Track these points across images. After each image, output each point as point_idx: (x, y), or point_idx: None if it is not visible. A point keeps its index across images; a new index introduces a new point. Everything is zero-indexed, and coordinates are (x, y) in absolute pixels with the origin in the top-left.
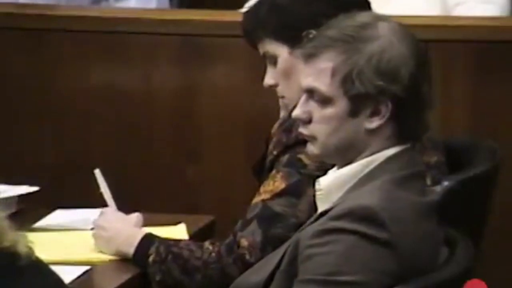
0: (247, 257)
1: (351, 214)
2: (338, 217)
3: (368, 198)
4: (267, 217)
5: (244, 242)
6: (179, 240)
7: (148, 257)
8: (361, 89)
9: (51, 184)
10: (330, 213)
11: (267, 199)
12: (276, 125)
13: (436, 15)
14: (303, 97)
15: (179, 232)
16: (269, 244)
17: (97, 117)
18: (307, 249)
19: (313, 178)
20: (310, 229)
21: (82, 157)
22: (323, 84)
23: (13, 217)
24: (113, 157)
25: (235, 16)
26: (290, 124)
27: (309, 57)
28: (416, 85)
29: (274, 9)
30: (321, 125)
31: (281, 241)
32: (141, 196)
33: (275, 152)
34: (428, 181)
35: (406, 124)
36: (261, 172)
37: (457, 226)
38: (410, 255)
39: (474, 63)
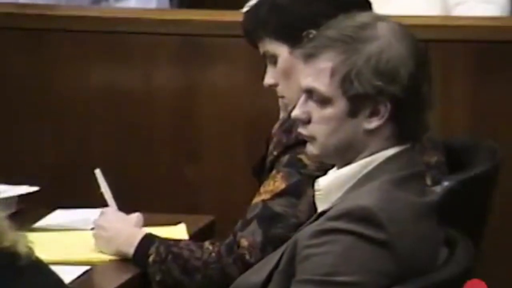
0: (247, 257)
1: (349, 215)
2: (336, 218)
3: (367, 198)
4: (267, 217)
5: (244, 242)
6: (179, 240)
7: (148, 257)
8: (360, 89)
9: (51, 184)
10: (328, 213)
11: (267, 199)
12: (276, 126)
13: (436, 15)
14: (303, 97)
15: (179, 232)
16: (269, 244)
17: (97, 117)
18: (305, 249)
19: (313, 178)
20: (308, 229)
21: (82, 157)
22: (322, 85)
23: (13, 217)
24: (113, 157)
25: (235, 16)
26: (290, 125)
27: (309, 57)
28: (415, 85)
29: (275, 9)
30: (320, 125)
31: (281, 241)
32: (141, 196)
33: (275, 153)
34: (428, 181)
35: (405, 125)
36: (261, 172)
37: (457, 226)
38: (408, 256)
39: (474, 63)
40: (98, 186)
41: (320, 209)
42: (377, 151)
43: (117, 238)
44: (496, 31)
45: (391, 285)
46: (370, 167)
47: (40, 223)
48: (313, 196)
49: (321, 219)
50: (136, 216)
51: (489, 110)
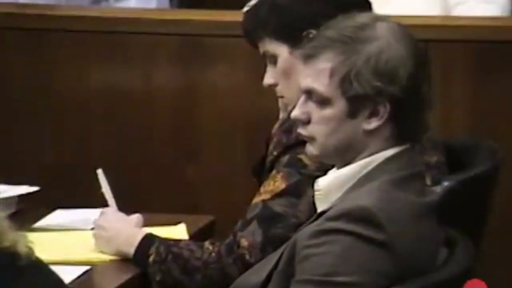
0: (247, 257)
1: (348, 215)
2: (335, 218)
3: (366, 198)
4: (267, 217)
5: (244, 242)
6: (179, 240)
7: (148, 257)
8: (359, 90)
9: (51, 184)
10: (328, 214)
11: (267, 199)
12: (276, 126)
13: (436, 15)
14: (302, 98)
15: (179, 232)
16: (269, 244)
17: (97, 117)
18: (304, 250)
19: (313, 178)
20: (308, 229)
21: (82, 157)
22: (321, 85)
23: (13, 217)
24: (113, 157)
25: (235, 16)
26: (290, 125)
27: (308, 57)
28: (414, 85)
29: (275, 9)
30: (319, 126)
31: (281, 241)
32: (141, 196)
33: (275, 153)
34: (428, 181)
35: (405, 125)
36: (261, 172)
37: (457, 226)
38: (408, 256)
39: (474, 63)
40: (99, 186)
41: (319, 209)
42: (376, 152)
43: (117, 238)
44: (496, 31)
45: (390, 285)
46: (369, 168)
47: (40, 223)
48: (313, 196)
49: (321, 219)
50: (136, 217)
51: (489, 110)
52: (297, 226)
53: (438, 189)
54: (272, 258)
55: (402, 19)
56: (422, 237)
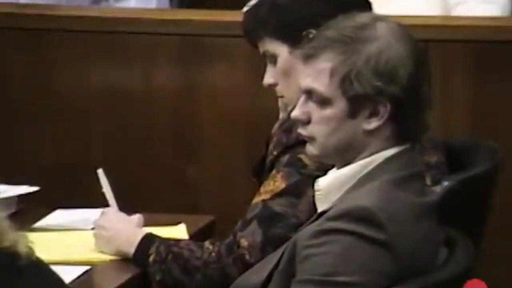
0: (247, 257)
1: (349, 215)
2: (335, 218)
3: (367, 198)
4: (267, 217)
5: (244, 242)
6: (180, 240)
7: (149, 256)
8: (359, 90)
9: (51, 184)
10: (328, 214)
11: (267, 199)
12: (276, 126)
13: (436, 15)
14: (302, 98)
15: (179, 232)
16: (269, 244)
17: (97, 117)
18: (305, 250)
19: (314, 178)
20: (308, 229)
21: (82, 157)
22: (321, 85)
23: (13, 217)
24: (113, 157)
25: (235, 16)
26: (290, 125)
27: (308, 57)
28: (415, 85)
29: (275, 9)
30: (320, 125)
31: (281, 241)
32: (141, 196)
33: (275, 152)
34: (428, 181)
35: (405, 125)
36: (261, 172)
37: (457, 226)
38: (408, 256)
39: (474, 63)
40: (99, 186)
41: (320, 209)
42: (376, 152)
43: (117, 238)
44: (496, 31)
45: (391, 285)
46: (370, 167)
47: (40, 223)
48: (313, 196)
49: (321, 219)
50: (137, 217)
51: (489, 110)
52: (297, 226)
53: (438, 189)
54: (272, 258)
55: (402, 19)
56: (423, 237)
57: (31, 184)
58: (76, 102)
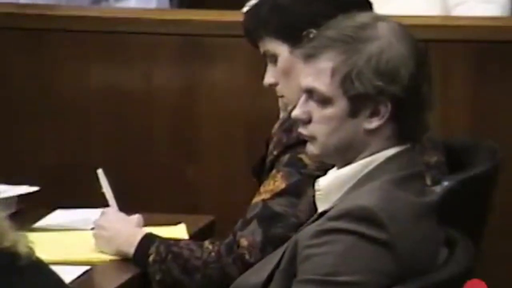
0: (247, 257)
1: (350, 215)
2: (336, 218)
3: (367, 198)
4: (267, 217)
5: (244, 242)
6: (179, 240)
7: (148, 256)
8: (360, 89)
9: (51, 184)
10: (329, 214)
11: (267, 199)
12: (276, 125)
13: (436, 15)
14: (303, 97)
15: (179, 232)
16: (269, 244)
17: (97, 117)
18: (306, 250)
19: (314, 178)
20: (309, 229)
21: (82, 157)
22: (322, 84)
23: (13, 217)
24: (113, 157)
25: (235, 16)
26: (291, 124)
27: (309, 57)
28: (415, 85)
29: (275, 9)
30: (320, 125)
31: (281, 241)
32: (141, 196)
33: (275, 152)
34: (428, 181)
35: (405, 125)
36: (261, 172)
37: (457, 226)
38: (409, 256)
39: (474, 63)
40: (99, 186)
41: (320, 209)
42: (377, 151)
43: (117, 237)
44: (496, 31)
45: (391, 285)
46: (370, 167)
47: (40, 223)
48: (313, 196)
49: (322, 219)
50: (136, 217)
51: (489, 110)
52: (297, 226)
53: (438, 189)
54: (273, 257)
55: (402, 19)
56: (423, 237)
57: (31, 184)
58: (76, 102)
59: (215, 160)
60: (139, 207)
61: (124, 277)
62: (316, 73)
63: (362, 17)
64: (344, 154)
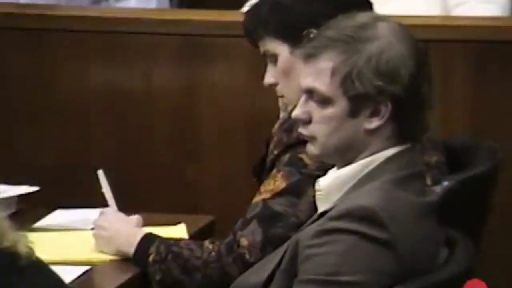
0: (247, 256)
1: (351, 214)
2: (337, 218)
3: (368, 198)
4: (268, 217)
5: (244, 242)
6: (179, 240)
7: (148, 256)
8: (360, 89)
9: (51, 184)
10: (330, 214)
11: (268, 199)
12: (276, 125)
13: (436, 15)
14: (303, 98)
15: (179, 232)
16: (269, 244)
17: (97, 117)
18: (307, 250)
19: (314, 178)
20: (310, 229)
21: (82, 157)
22: (322, 84)
23: (13, 217)
24: (113, 157)
25: (235, 16)
26: (291, 124)
27: (309, 57)
28: (415, 85)
29: (275, 8)
30: (320, 125)
31: (281, 240)
32: (141, 196)
33: (275, 152)
34: (428, 181)
35: (405, 124)
36: (261, 172)
37: (457, 226)
38: (409, 255)
39: (474, 63)
40: (99, 186)
41: (321, 209)
42: (377, 151)
43: (117, 237)
44: (497, 31)
45: (392, 285)
46: (370, 167)
47: (40, 223)
48: (314, 196)
49: (323, 219)
50: (136, 218)
51: (489, 110)
52: (297, 226)
53: (438, 189)
54: (273, 257)
55: (402, 19)
56: (423, 236)
57: (31, 184)
58: (76, 102)
59: (215, 160)
60: (139, 207)
61: (124, 277)
62: (316, 73)
63: (362, 17)
64: (344, 154)
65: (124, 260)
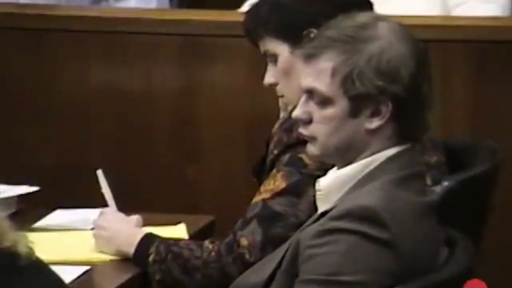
0: (247, 256)
1: (352, 214)
2: (338, 217)
3: (369, 198)
4: (267, 217)
5: (244, 242)
6: (179, 240)
7: (148, 256)
8: (361, 89)
9: (51, 184)
10: (331, 213)
11: (268, 198)
12: (276, 125)
13: (436, 15)
14: (303, 98)
15: (179, 232)
16: (269, 244)
17: (97, 117)
18: (308, 250)
19: (314, 178)
20: (311, 229)
21: (82, 157)
22: (323, 84)
23: (13, 217)
24: (113, 157)
25: (235, 16)
26: (291, 124)
27: (309, 57)
28: (416, 85)
29: (276, 8)
30: (321, 125)
31: (281, 240)
32: (141, 196)
33: (275, 152)
34: (428, 181)
35: (406, 124)
36: (261, 172)
37: (457, 226)
38: (410, 255)
39: (474, 63)
40: (99, 186)
41: (321, 209)
42: (378, 151)
43: (117, 237)
44: (497, 31)
45: (393, 285)
46: (371, 167)
47: (40, 223)
48: (314, 195)
49: (324, 219)
50: (136, 218)
51: (489, 110)
52: (297, 226)
53: (438, 189)
54: (273, 257)
55: (402, 19)
56: (424, 236)
57: (31, 184)
58: (76, 102)
59: (215, 160)
60: (139, 207)
61: (124, 277)
62: (316, 73)
63: (362, 17)
64: (344, 154)
65: (124, 260)
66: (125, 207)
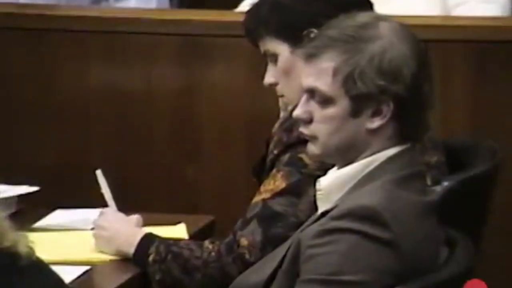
0: (247, 256)
1: (353, 214)
2: (339, 217)
3: (370, 198)
4: (267, 217)
5: (244, 242)
6: (179, 240)
7: (148, 256)
8: (363, 89)
9: (51, 184)
10: (331, 213)
11: (268, 198)
12: (276, 125)
13: (436, 15)
14: (304, 97)
15: (179, 232)
16: (269, 244)
17: (97, 117)
18: (309, 249)
19: (314, 178)
20: (311, 229)
21: (82, 157)
22: (324, 84)
23: (13, 217)
24: (113, 157)
25: (235, 16)
26: (291, 124)
27: (310, 57)
28: (417, 85)
29: (276, 8)
30: (322, 125)
31: (281, 240)
32: (141, 196)
33: (275, 151)
34: (428, 181)
35: (407, 124)
36: (261, 172)
37: (457, 226)
38: (411, 255)
39: (474, 63)
40: (99, 186)
41: (321, 209)
42: (378, 151)
43: (117, 237)
44: (497, 31)
45: (394, 285)
46: (371, 167)
47: (40, 223)
48: (314, 195)
49: (324, 218)
50: (136, 218)
51: (489, 110)
52: (297, 226)
53: (438, 189)
54: (273, 257)
55: (402, 19)
56: (425, 236)
57: (31, 184)
58: (76, 102)
59: (215, 160)
60: (139, 207)
61: (124, 277)
62: (317, 73)
63: (363, 17)
64: (345, 154)
65: (124, 260)
66: (125, 207)
